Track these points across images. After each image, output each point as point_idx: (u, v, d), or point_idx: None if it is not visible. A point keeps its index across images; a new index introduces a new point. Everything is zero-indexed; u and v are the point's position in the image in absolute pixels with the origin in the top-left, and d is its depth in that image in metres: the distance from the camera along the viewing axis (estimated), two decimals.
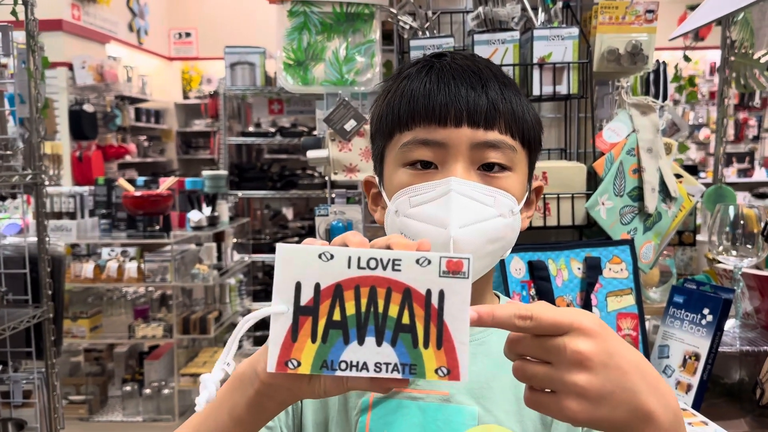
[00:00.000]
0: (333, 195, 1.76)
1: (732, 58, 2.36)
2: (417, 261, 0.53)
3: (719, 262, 1.66)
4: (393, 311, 0.54)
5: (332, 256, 0.53)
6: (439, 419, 0.78)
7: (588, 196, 1.50)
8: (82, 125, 5.54)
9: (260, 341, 4.08)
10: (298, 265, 0.54)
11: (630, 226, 1.50)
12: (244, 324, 0.56)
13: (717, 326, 1.29)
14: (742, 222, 1.52)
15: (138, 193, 3.58)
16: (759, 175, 7.12)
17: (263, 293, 5.23)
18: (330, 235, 1.70)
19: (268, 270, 5.75)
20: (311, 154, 1.66)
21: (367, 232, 1.86)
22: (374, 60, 1.63)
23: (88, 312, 3.71)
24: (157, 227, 3.64)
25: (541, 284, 1.32)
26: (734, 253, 1.51)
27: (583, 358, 0.52)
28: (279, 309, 0.54)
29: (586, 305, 1.33)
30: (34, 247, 2.21)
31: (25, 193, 2.70)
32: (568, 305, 1.35)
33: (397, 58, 1.69)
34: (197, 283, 3.75)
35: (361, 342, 0.54)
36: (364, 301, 0.54)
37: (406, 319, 0.54)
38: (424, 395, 0.80)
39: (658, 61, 1.94)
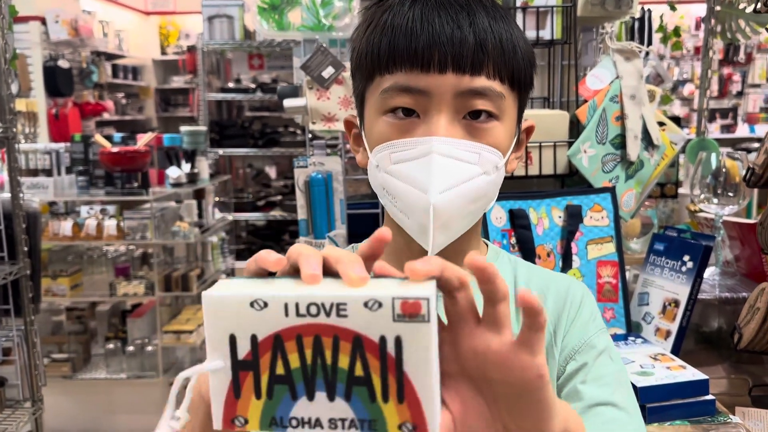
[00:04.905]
0: (312, 151, 1.72)
1: (718, 8, 2.32)
2: (365, 304, 0.46)
3: (701, 211, 1.65)
4: (343, 362, 0.47)
5: (266, 304, 0.47)
6: None
7: (570, 145, 1.48)
8: (57, 82, 5.38)
9: None
10: (228, 316, 0.47)
11: (612, 174, 1.48)
12: (177, 383, 0.51)
13: (697, 273, 1.29)
14: (723, 170, 1.51)
15: (115, 150, 3.50)
16: (742, 130, 7.14)
17: (247, 252, 5.21)
18: (309, 186, 1.67)
19: (252, 229, 5.71)
20: (288, 102, 1.62)
21: (349, 187, 1.83)
22: (352, 4, 1.58)
23: (68, 270, 3.66)
24: (136, 184, 3.57)
25: (521, 233, 1.31)
26: (715, 201, 1.50)
27: None
28: (215, 365, 0.48)
29: (567, 253, 1.32)
30: (9, 203, 2.16)
31: None
32: (548, 254, 1.34)
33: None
34: (178, 240, 3.71)
35: (310, 397, 0.48)
36: (308, 353, 0.47)
37: (359, 371, 0.47)
38: None
39: (643, 7, 1.89)
